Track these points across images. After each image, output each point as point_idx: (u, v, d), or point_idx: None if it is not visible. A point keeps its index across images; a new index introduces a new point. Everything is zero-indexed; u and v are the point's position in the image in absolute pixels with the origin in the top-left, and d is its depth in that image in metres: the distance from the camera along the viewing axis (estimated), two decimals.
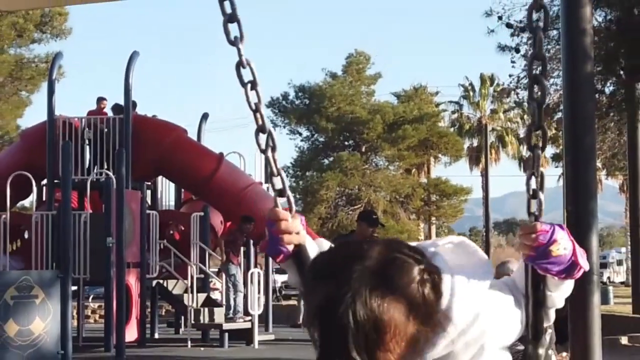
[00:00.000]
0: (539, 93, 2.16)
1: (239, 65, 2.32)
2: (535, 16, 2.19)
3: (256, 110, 2.33)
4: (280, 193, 2.37)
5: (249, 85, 2.33)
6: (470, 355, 2.02)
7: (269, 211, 2.28)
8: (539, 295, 2.13)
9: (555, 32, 18.81)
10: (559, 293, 2.18)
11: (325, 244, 2.35)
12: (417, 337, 1.87)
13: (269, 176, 2.42)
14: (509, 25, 19.83)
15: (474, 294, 1.98)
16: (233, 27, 2.32)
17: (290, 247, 2.25)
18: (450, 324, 1.94)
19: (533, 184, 2.20)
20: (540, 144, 2.21)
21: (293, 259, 2.27)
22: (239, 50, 2.30)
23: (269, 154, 2.36)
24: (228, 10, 2.30)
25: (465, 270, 2.02)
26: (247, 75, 2.32)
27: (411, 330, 1.85)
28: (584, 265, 2.08)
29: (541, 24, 2.08)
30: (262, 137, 2.35)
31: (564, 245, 2.03)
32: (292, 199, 2.36)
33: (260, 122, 2.33)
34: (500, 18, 20.15)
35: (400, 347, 1.84)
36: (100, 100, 22.70)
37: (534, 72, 2.16)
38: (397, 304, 1.83)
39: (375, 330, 1.80)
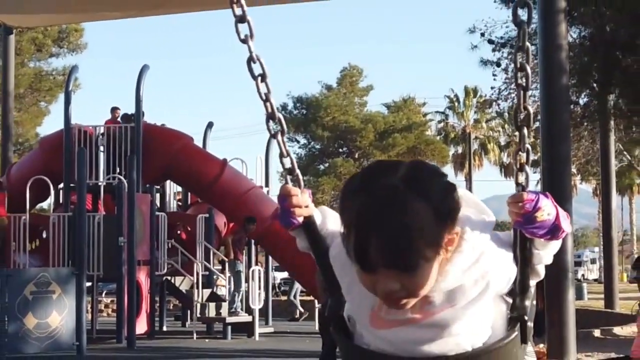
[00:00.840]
0: (524, 79, 2.19)
1: (250, 60, 2.40)
2: (520, 12, 2.20)
3: (266, 100, 2.44)
4: (290, 171, 2.45)
5: (259, 78, 2.42)
6: (478, 291, 2.12)
7: (281, 187, 2.40)
8: (526, 253, 2.18)
9: (533, 47, 18.79)
10: (546, 251, 2.22)
11: (329, 211, 2.47)
12: (439, 242, 2.00)
13: (279, 157, 2.51)
14: (490, 42, 19.81)
15: (479, 233, 2.13)
16: (243, 27, 2.39)
17: (300, 219, 2.35)
18: (463, 248, 2.09)
19: (522, 158, 2.22)
20: (526, 123, 2.22)
21: (303, 227, 2.39)
22: (249, 47, 2.38)
23: (279, 137, 2.48)
24: (238, 12, 2.38)
25: (471, 211, 2.17)
26: (257, 69, 2.40)
27: (436, 234, 1.98)
28: (566, 228, 2.13)
29: (525, 18, 2.12)
30: (272, 125, 2.48)
31: (547, 211, 2.08)
32: (300, 176, 2.44)
33: (270, 110, 2.45)
34: (482, 35, 20.15)
35: (425, 249, 1.96)
36: (114, 109, 22.70)
37: (519, 60, 2.20)
38: (427, 207, 1.96)
39: (408, 232, 1.93)
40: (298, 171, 2.45)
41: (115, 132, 21.54)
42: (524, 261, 2.21)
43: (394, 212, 1.97)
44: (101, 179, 21.25)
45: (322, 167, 55.30)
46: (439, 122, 67.29)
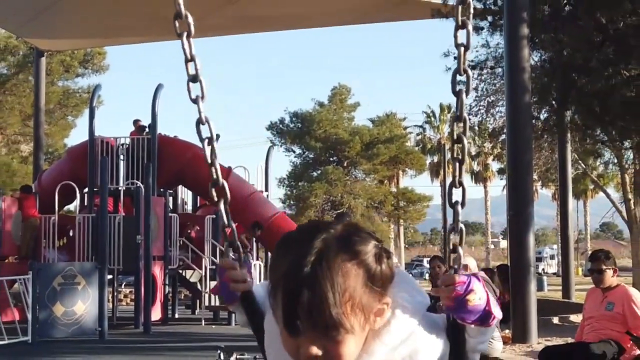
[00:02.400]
0: (460, 152, 1.89)
1: (199, 122, 2.09)
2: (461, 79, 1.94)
3: (212, 164, 2.14)
4: (231, 244, 2.14)
5: (206, 141, 2.11)
6: None
7: (220, 260, 2.14)
8: (458, 340, 1.88)
9: (500, 69, 18.85)
10: (478, 339, 1.90)
11: None
12: (368, 310, 1.72)
13: (221, 228, 2.22)
14: None
15: (411, 313, 1.83)
16: (195, 87, 2.08)
17: (238, 293, 2.09)
18: (392, 326, 1.80)
19: (454, 239, 1.91)
20: (460, 200, 1.93)
21: (241, 302, 2.12)
22: (199, 108, 2.06)
23: (221, 206, 2.17)
24: (192, 71, 2.08)
25: (405, 289, 1.86)
26: (205, 132, 2.10)
27: (365, 300, 1.71)
28: (497, 314, 1.82)
29: (464, 87, 1.84)
30: (214, 192, 2.17)
31: (479, 295, 1.78)
32: (241, 250, 2.14)
33: (215, 176, 2.15)
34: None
35: (352, 314, 1.69)
36: (136, 122, 22.74)
37: (455, 132, 1.89)
38: (358, 269, 1.70)
39: (336, 292, 1.67)
40: (239, 244, 2.13)
41: (134, 143, 21.58)
42: (456, 349, 1.89)
43: (322, 271, 1.68)
44: (121, 184, 21.26)
45: (315, 174, 55.22)
46: (417, 134, 67.47)
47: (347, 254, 1.71)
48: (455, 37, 1.91)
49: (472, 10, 1.87)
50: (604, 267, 8.57)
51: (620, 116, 16.77)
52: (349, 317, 1.68)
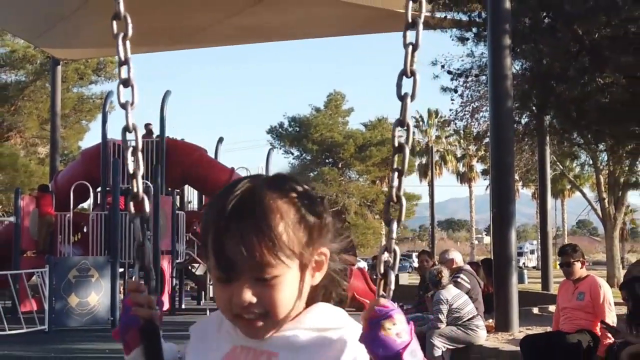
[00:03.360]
0: (401, 163, 1.56)
1: (125, 129, 1.76)
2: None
3: (134, 176, 1.79)
4: (141, 268, 1.76)
5: (130, 150, 1.75)
6: None
7: (128, 282, 1.68)
8: None
9: (484, 77, 18.86)
10: None
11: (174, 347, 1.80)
12: (305, 255, 1.51)
13: (137, 248, 1.82)
14: (449, 72, 19.81)
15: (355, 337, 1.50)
16: (126, 92, 1.76)
17: (139, 320, 1.64)
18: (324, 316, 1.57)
19: (389, 259, 1.57)
20: (398, 214, 1.56)
21: (140, 332, 1.65)
22: (127, 114, 1.74)
23: (137, 222, 1.83)
24: (124, 75, 1.76)
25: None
26: (131, 138, 1.75)
27: (298, 241, 1.50)
28: None
29: (409, 91, 1.56)
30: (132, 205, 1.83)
31: (398, 330, 1.43)
32: (153, 274, 1.74)
33: (135, 189, 1.80)
34: (442, 66, 20.13)
35: (286, 255, 1.48)
36: (147, 125, 22.74)
37: (396, 141, 1.57)
38: (289, 207, 1.51)
39: (266, 230, 1.47)
40: (151, 267, 1.75)
41: (144, 146, 21.56)
42: None
43: (251, 209, 1.49)
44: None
45: (312, 174, 55.22)
46: None
47: (276, 192, 1.53)
48: (405, 35, 1.61)
49: (424, 10, 1.59)
50: (572, 260, 8.64)
51: (595, 121, 16.78)
52: (282, 257, 1.48)
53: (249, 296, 1.48)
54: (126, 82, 1.77)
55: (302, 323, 1.55)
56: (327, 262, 1.59)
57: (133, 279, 1.76)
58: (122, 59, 1.80)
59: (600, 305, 8.37)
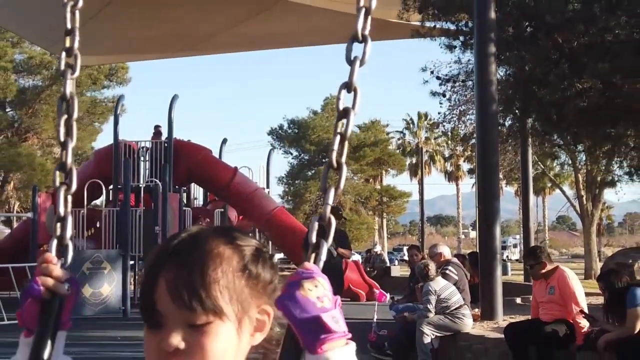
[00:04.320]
0: (345, 126, 1.39)
1: (62, 98, 1.56)
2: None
3: (64, 147, 1.55)
4: (59, 239, 1.52)
5: (63, 119, 1.53)
6: None
7: (41, 255, 1.43)
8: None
9: (470, 82, 18.86)
10: None
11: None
12: (245, 307, 1.30)
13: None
14: (438, 78, 19.81)
15: None
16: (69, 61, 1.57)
17: (40, 289, 1.39)
18: None
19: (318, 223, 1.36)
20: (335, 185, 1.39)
21: (41, 304, 1.40)
22: (65, 82, 1.55)
23: (62, 192, 1.56)
24: (68, 44, 1.61)
25: None
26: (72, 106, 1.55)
27: (240, 291, 1.29)
28: (336, 329, 1.20)
29: (359, 55, 1.41)
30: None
31: (320, 293, 1.21)
32: (70, 247, 1.51)
33: (63, 159, 1.54)
34: (432, 72, 20.15)
35: (224, 301, 1.26)
36: (156, 127, 22.75)
37: (340, 104, 1.40)
38: (234, 254, 1.31)
39: (206, 270, 1.27)
40: (70, 243, 1.51)
41: (153, 146, 21.61)
42: None
43: (190, 250, 1.28)
44: (142, 182, 21.24)
45: (309, 173, 55.21)
46: (398, 139, 67.60)
47: (222, 238, 1.32)
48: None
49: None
50: (533, 263, 8.84)
51: (574, 123, 16.78)
52: (217, 302, 1.26)
53: (177, 340, 1.24)
54: (69, 51, 1.63)
55: None
56: (269, 324, 1.34)
57: (48, 253, 1.47)
58: (69, 27, 1.65)
59: (570, 296, 8.44)
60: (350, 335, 1.20)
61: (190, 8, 21.06)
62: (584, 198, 30.58)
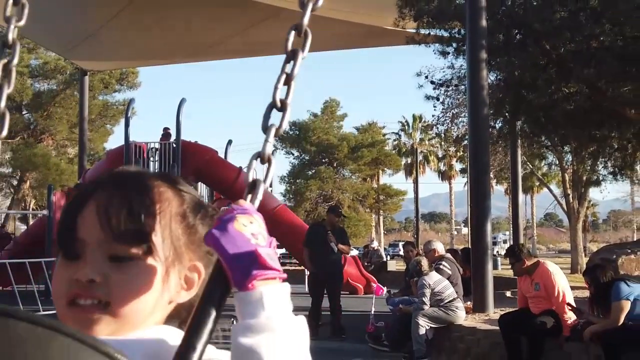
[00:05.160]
0: (292, 68, 1.20)
1: (3, 44, 1.29)
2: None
3: None
4: None
5: (2, 63, 1.26)
6: None
7: None
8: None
9: (463, 87, 18.86)
10: (240, 309, 1.00)
11: None
12: (179, 251, 1.14)
13: None
14: (432, 82, 19.78)
15: None
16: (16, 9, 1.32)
17: None
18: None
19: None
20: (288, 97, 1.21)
21: None
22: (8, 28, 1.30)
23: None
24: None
25: None
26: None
27: (176, 233, 1.14)
28: (272, 266, 1.01)
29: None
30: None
31: (255, 230, 1.03)
32: None
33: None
34: (426, 77, 20.13)
35: (156, 236, 1.10)
36: (165, 129, 22.74)
37: (289, 45, 1.24)
38: (175, 196, 1.16)
39: (142, 197, 1.12)
40: None
41: (162, 147, 21.61)
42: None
43: (132, 182, 1.14)
44: None
45: (309, 172, 55.19)
46: (394, 140, 67.58)
47: (166, 181, 1.18)
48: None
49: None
50: (513, 262, 8.95)
51: (561, 126, 16.79)
52: (151, 237, 1.10)
53: (95, 272, 1.06)
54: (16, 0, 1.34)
55: (141, 341, 1.10)
56: (198, 284, 1.16)
57: None
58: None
59: (554, 291, 8.46)
60: (285, 276, 1.03)
61: (197, 17, 21.05)
62: (570, 196, 30.59)
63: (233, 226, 1.01)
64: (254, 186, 1.14)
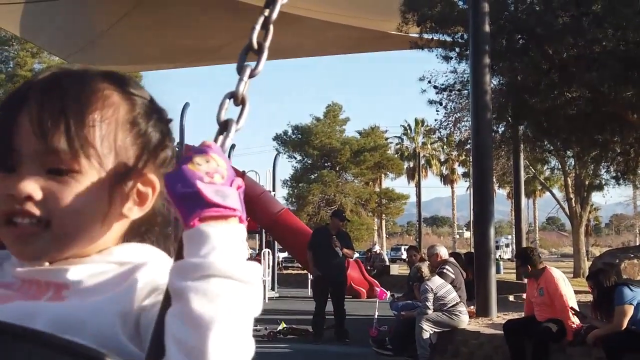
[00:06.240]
0: (270, 11, 1.11)
1: None
2: None
3: None
4: None
5: None
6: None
7: None
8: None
9: (465, 91, 18.89)
10: (188, 250, 0.89)
11: None
12: (124, 164, 1.04)
13: None
14: (435, 87, 19.82)
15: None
16: None
17: None
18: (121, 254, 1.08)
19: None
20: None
21: None
22: None
23: None
24: None
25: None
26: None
27: (122, 144, 1.04)
28: (220, 203, 0.90)
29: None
30: None
31: (211, 168, 0.91)
32: None
33: None
34: (429, 82, 20.17)
35: (96, 148, 1.01)
36: None
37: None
38: (122, 101, 1.07)
39: (81, 104, 1.01)
40: None
41: None
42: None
43: (70, 83, 1.02)
44: None
45: (312, 176, 55.21)
46: (397, 144, 67.62)
47: (113, 81, 1.07)
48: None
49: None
50: (519, 263, 9.27)
51: (563, 130, 16.82)
52: (91, 150, 1.00)
53: (32, 187, 0.97)
54: None
55: (105, 256, 1.04)
56: (153, 198, 1.08)
57: None
58: None
59: (557, 297, 8.49)
60: (241, 214, 0.92)
61: (200, 21, 21.10)
62: (573, 200, 30.57)
63: (186, 166, 0.91)
64: (225, 126, 1.02)
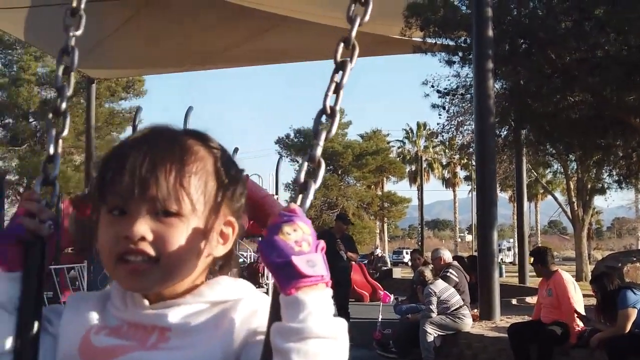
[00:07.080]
0: (341, 78, 1.27)
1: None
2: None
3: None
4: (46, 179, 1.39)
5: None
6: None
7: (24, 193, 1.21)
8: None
9: (468, 95, 18.94)
10: (286, 314, 1.06)
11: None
12: (215, 207, 1.21)
13: None
14: (438, 91, 19.88)
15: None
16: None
17: (24, 230, 1.24)
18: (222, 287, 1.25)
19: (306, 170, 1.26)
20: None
21: (25, 244, 1.23)
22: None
23: None
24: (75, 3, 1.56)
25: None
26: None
27: (212, 189, 1.21)
28: (310, 273, 1.06)
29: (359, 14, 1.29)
30: None
31: (299, 237, 1.08)
32: (57, 188, 1.38)
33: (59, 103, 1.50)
34: (432, 86, 20.21)
35: (195, 195, 1.18)
36: None
37: (338, 56, 1.29)
38: (207, 154, 1.22)
39: (177, 160, 1.18)
40: (57, 181, 1.40)
41: None
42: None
43: (169, 140, 1.19)
44: None
45: None
46: (399, 148, 67.66)
47: (198, 140, 1.23)
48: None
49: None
50: (533, 262, 9.18)
51: (566, 134, 16.83)
52: (191, 195, 1.16)
53: (144, 229, 1.13)
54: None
55: (201, 296, 1.20)
56: (233, 238, 1.25)
57: (32, 190, 1.34)
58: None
59: (565, 299, 8.53)
60: (328, 280, 1.09)
61: (204, 25, 21.15)
62: (575, 204, 30.60)
63: (278, 237, 1.08)
64: (305, 187, 1.22)
